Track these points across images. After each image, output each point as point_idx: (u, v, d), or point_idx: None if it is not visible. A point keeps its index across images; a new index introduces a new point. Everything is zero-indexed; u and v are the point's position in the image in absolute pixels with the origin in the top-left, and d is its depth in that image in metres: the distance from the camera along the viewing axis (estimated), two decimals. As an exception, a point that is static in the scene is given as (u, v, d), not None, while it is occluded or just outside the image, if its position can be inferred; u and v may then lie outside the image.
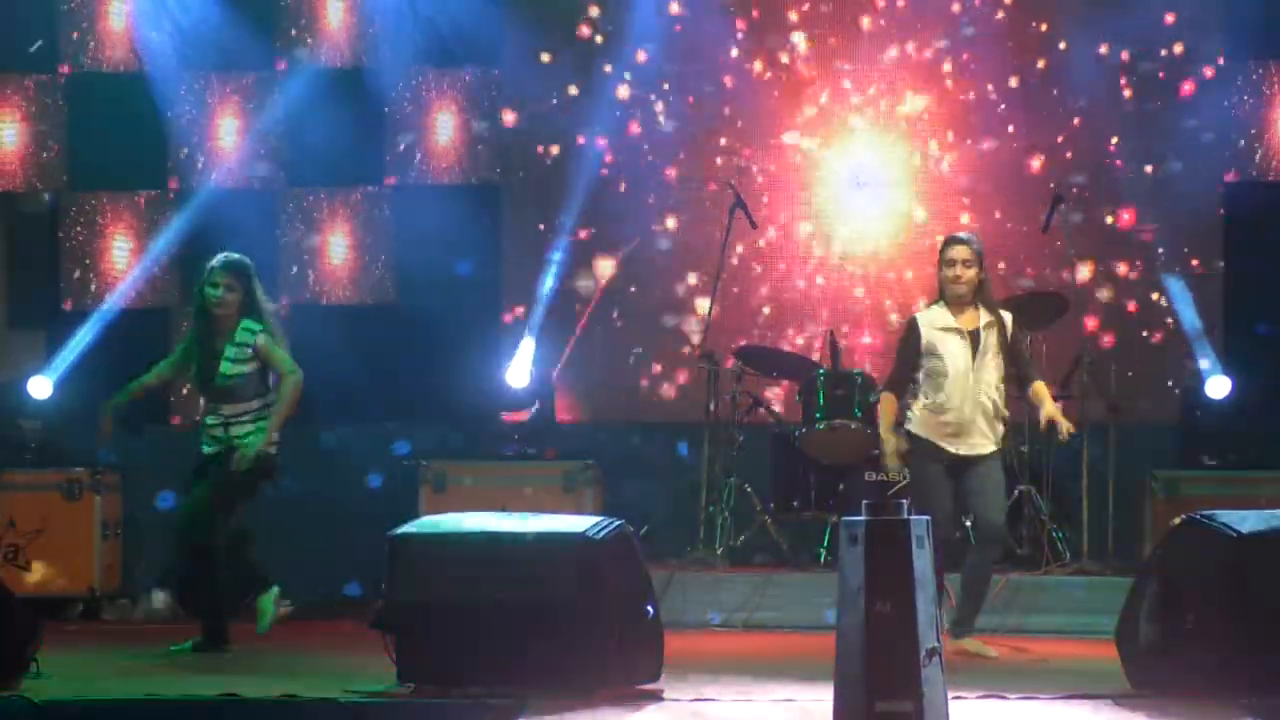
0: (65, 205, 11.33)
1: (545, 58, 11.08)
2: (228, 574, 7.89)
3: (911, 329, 8.06)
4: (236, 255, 8.09)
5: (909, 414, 8.02)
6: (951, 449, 7.90)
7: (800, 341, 10.90)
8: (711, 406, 10.05)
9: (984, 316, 7.96)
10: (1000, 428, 7.98)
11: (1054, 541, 9.49)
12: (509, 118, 11.14)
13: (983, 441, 7.92)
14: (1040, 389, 8.04)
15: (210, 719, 6.23)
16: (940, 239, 8.42)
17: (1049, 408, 7.96)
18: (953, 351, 7.90)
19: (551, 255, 10.89)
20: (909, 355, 8.04)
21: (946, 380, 7.89)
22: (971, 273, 7.94)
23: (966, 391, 7.88)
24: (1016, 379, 8.08)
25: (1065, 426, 7.91)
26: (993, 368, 7.94)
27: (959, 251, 7.96)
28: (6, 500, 10.00)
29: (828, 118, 11.01)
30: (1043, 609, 8.85)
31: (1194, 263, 10.72)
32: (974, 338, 7.91)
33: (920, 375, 8.00)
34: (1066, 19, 10.82)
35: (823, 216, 11.03)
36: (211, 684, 6.66)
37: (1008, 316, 8.04)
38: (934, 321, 7.98)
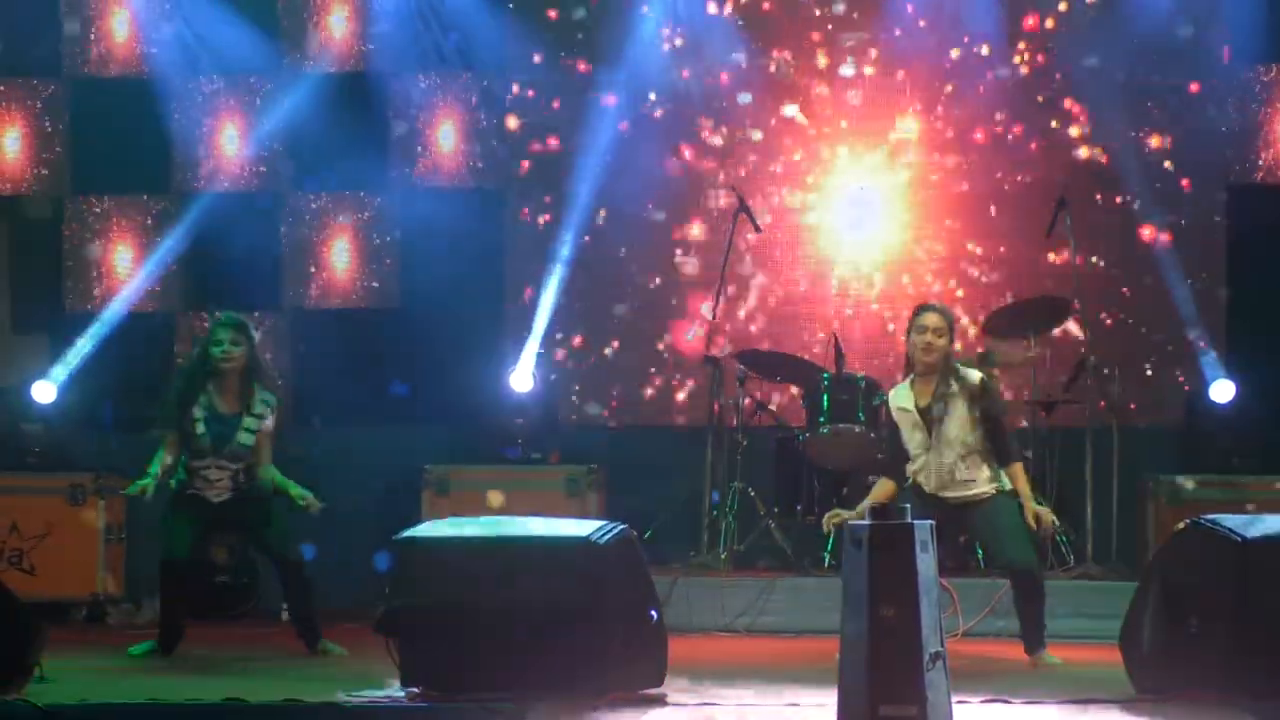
0: (69, 209, 11.34)
1: (549, 62, 11.08)
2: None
3: (885, 410, 8.07)
4: (234, 313, 8.36)
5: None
6: (939, 494, 7.78)
7: (804, 345, 10.89)
8: (715, 410, 10.05)
9: (942, 387, 7.73)
10: (987, 471, 7.73)
11: (1057, 546, 9.48)
12: (513, 122, 11.14)
13: (969, 484, 7.75)
14: (1016, 473, 7.74)
15: (214, 723, 6.24)
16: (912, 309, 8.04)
17: (1028, 502, 7.67)
18: (910, 431, 7.80)
19: (555, 260, 10.89)
20: (889, 435, 8.00)
21: (915, 458, 7.82)
22: (943, 342, 7.71)
23: (930, 465, 7.76)
24: (994, 453, 7.77)
25: (1047, 520, 7.63)
26: (954, 435, 7.68)
27: (931, 319, 7.73)
28: (10, 504, 10.00)
29: (832, 121, 11.00)
30: (1046, 613, 8.83)
31: (1197, 267, 10.70)
32: (924, 414, 7.73)
33: None
34: (1070, 22, 10.82)
35: (826, 220, 11.02)
36: (215, 688, 6.66)
37: (973, 380, 7.74)
38: (897, 402, 7.88)
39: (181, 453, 8.10)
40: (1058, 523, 7.78)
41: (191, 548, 8.21)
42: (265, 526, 8.18)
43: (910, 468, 7.85)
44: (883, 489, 7.93)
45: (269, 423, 8.19)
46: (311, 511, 8.13)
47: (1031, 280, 10.72)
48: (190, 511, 8.13)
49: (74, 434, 10.53)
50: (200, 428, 8.07)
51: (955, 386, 7.74)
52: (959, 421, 7.72)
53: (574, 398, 11.03)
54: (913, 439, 7.80)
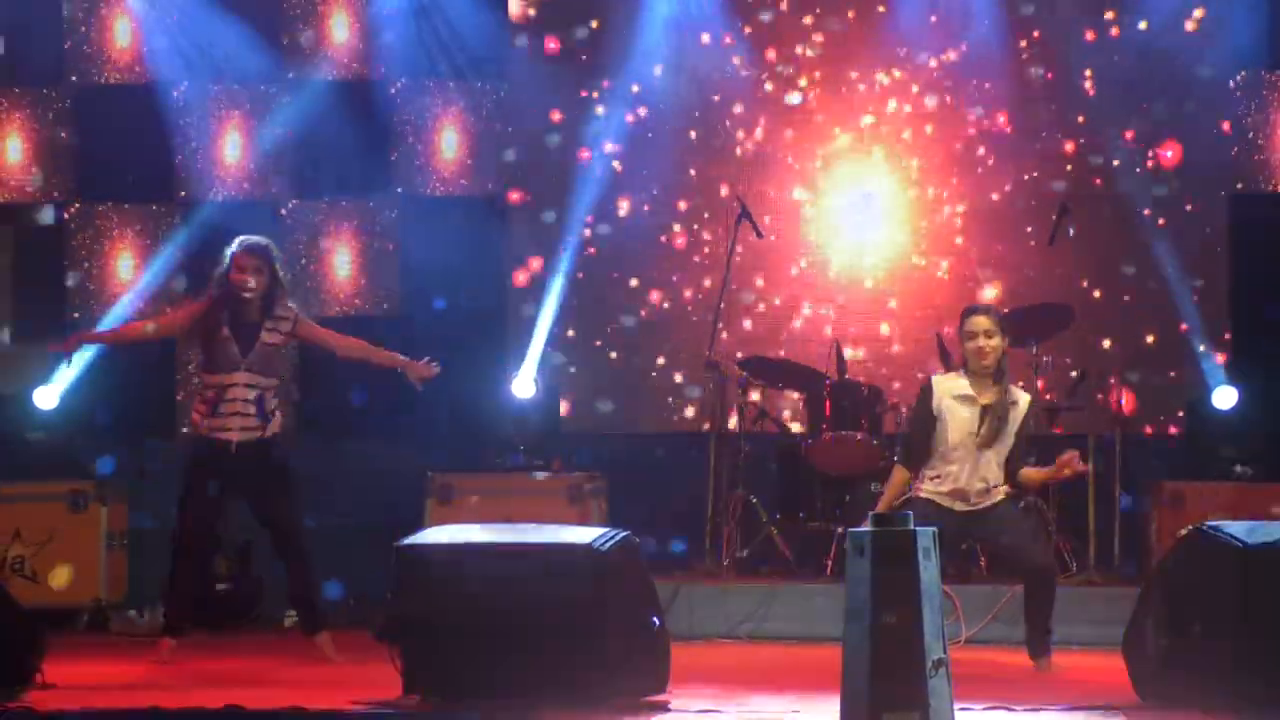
0: (72, 217, 11.35)
1: (552, 71, 11.09)
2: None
3: (925, 391, 7.84)
4: (256, 237, 8.13)
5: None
6: (953, 507, 7.74)
7: (805, 351, 10.88)
8: (717, 416, 10.05)
9: (1004, 395, 7.71)
10: (1000, 491, 7.75)
11: (1060, 552, 9.47)
12: (514, 130, 11.15)
13: (983, 499, 7.74)
14: (1028, 473, 7.77)
15: (216, 730, 6.23)
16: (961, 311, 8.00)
17: (1050, 470, 7.70)
18: (961, 419, 7.69)
19: (557, 267, 10.89)
20: (921, 418, 7.80)
21: (949, 449, 7.71)
22: (995, 342, 7.66)
23: (966, 462, 7.69)
24: (1014, 466, 7.77)
25: (1073, 460, 7.59)
26: (1005, 442, 7.68)
27: (980, 322, 7.68)
28: (12, 511, 10.00)
29: (836, 126, 11.01)
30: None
31: (1200, 274, 10.70)
32: (985, 412, 7.67)
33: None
34: (1073, 28, 10.82)
35: (829, 228, 11.02)
36: (216, 695, 6.66)
37: (1024, 400, 7.79)
38: (950, 388, 7.77)
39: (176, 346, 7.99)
40: (1082, 468, 7.75)
41: (207, 510, 8.03)
42: (279, 496, 8.00)
43: (938, 467, 7.72)
44: (900, 476, 7.88)
45: (303, 325, 8.08)
46: (426, 376, 8.14)
47: (1034, 287, 10.70)
48: (206, 472, 7.95)
49: (76, 441, 10.52)
50: (226, 331, 7.92)
51: (1014, 396, 7.75)
52: (1012, 431, 7.71)
53: (576, 404, 11.02)
54: (963, 426, 7.66)
